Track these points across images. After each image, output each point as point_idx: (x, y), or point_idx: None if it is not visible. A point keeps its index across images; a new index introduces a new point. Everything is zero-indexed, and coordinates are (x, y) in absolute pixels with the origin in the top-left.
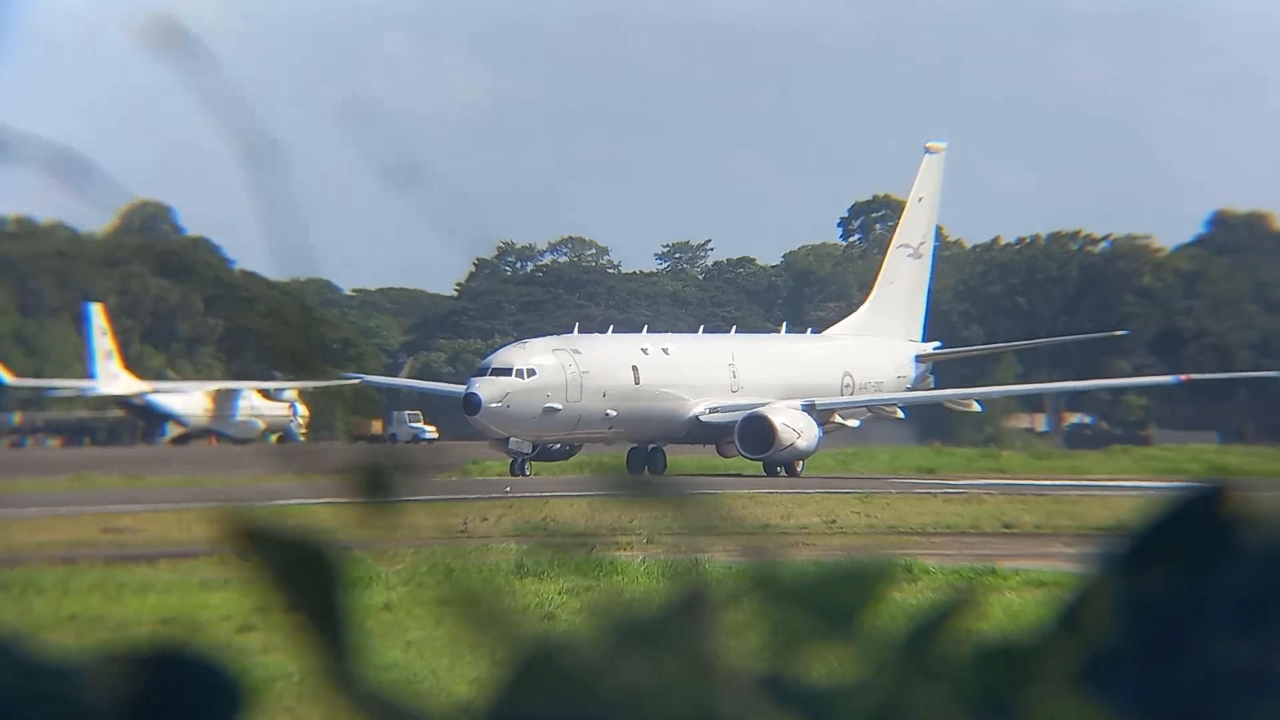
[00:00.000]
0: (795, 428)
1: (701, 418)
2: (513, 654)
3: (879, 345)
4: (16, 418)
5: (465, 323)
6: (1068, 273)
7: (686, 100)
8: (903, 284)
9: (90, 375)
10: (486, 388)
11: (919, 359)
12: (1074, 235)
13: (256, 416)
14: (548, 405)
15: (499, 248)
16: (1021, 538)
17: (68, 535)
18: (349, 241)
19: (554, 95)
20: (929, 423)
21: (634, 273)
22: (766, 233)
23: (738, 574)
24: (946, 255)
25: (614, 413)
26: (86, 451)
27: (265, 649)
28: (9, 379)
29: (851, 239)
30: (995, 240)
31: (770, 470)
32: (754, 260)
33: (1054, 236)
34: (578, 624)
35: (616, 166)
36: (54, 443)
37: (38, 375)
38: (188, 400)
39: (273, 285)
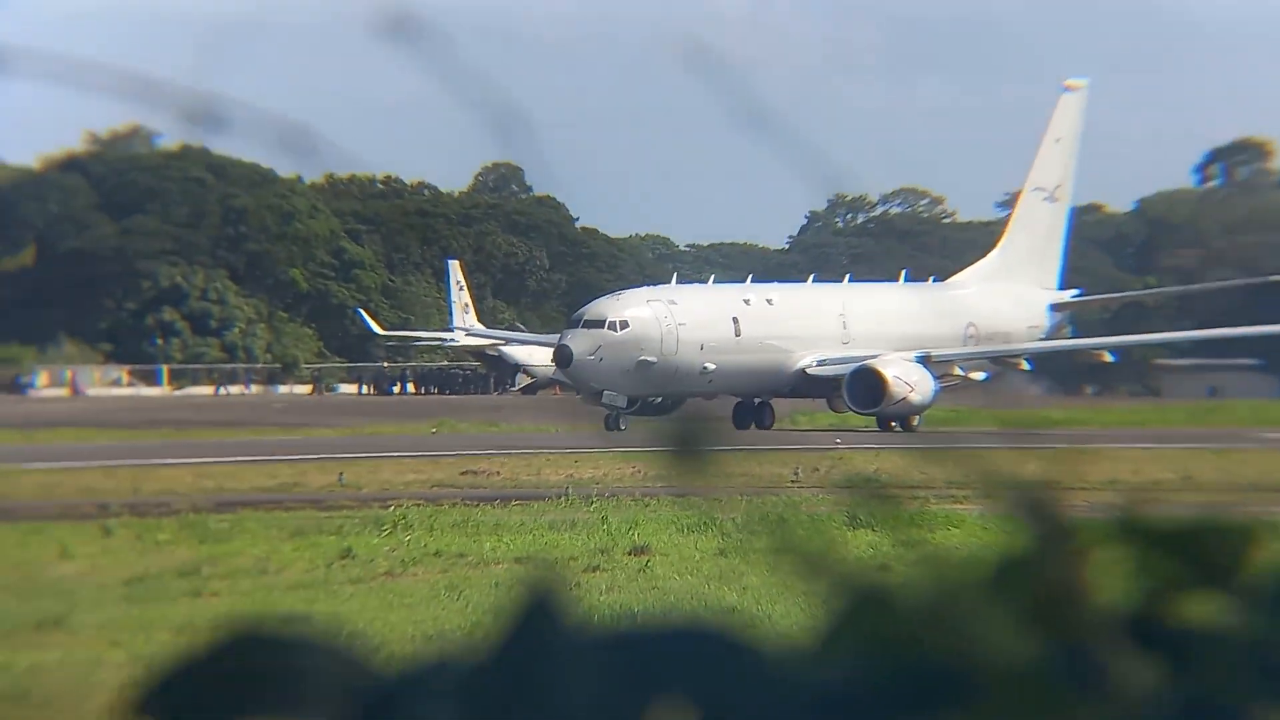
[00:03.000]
0: (908, 381)
1: (808, 371)
2: (850, 597)
3: (1007, 294)
4: (385, 366)
5: (796, 276)
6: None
7: (1029, 41)
8: (1037, 229)
9: (449, 327)
10: (578, 340)
11: (1055, 308)
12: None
13: None
14: (642, 358)
15: (831, 200)
16: None
17: (431, 476)
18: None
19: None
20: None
21: (969, 222)
22: (1116, 178)
23: (1098, 523)
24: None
25: (712, 366)
26: (446, 398)
27: (610, 588)
28: (378, 330)
29: (1209, 184)
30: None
31: (883, 425)
32: (1102, 207)
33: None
34: (913, 574)
35: (955, 112)
36: (411, 389)
37: (403, 327)
38: (534, 352)
39: (611, 241)
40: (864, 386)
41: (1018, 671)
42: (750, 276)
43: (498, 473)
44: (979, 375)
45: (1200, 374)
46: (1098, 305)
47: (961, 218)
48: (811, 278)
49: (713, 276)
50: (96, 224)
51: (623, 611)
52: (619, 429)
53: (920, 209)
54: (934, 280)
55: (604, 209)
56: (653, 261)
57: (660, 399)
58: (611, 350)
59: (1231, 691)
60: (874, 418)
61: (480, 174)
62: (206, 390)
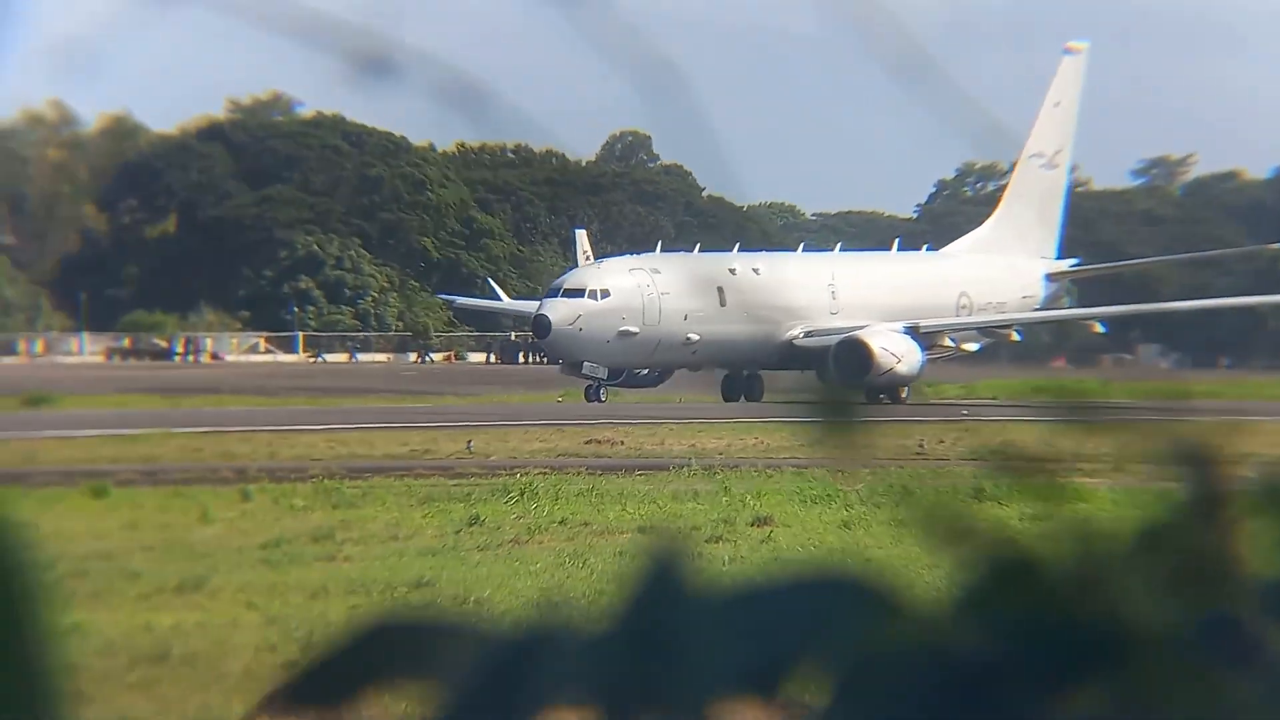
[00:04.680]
0: (895, 351)
1: (795, 342)
2: (991, 563)
3: (1001, 263)
4: (513, 335)
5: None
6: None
7: (1160, 4)
8: (1033, 196)
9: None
10: (557, 310)
11: (1050, 277)
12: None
13: None
14: (623, 328)
15: (959, 169)
16: None
17: (556, 445)
18: (813, 166)
19: (1012, 6)
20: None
21: (1103, 190)
22: (1257, 145)
23: (1246, 493)
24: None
25: (696, 337)
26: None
27: (733, 559)
28: (506, 299)
29: None
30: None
31: (872, 397)
32: (1240, 174)
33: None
34: (1052, 542)
35: (1091, 78)
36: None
37: (531, 296)
38: None
39: (737, 210)
40: (850, 358)
41: (1165, 641)
42: (888, 245)
43: (621, 442)
44: (972, 346)
45: None
46: (1098, 275)
47: (1096, 186)
48: (801, 246)
49: (839, 244)
50: (236, 192)
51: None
52: (599, 400)
53: None
54: (928, 249)
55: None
56: (779, 230)
57: (646, 370)
58: (592, 320)
59: None
60: (861, 389)
61: (608, 142)
62: (340, 357)
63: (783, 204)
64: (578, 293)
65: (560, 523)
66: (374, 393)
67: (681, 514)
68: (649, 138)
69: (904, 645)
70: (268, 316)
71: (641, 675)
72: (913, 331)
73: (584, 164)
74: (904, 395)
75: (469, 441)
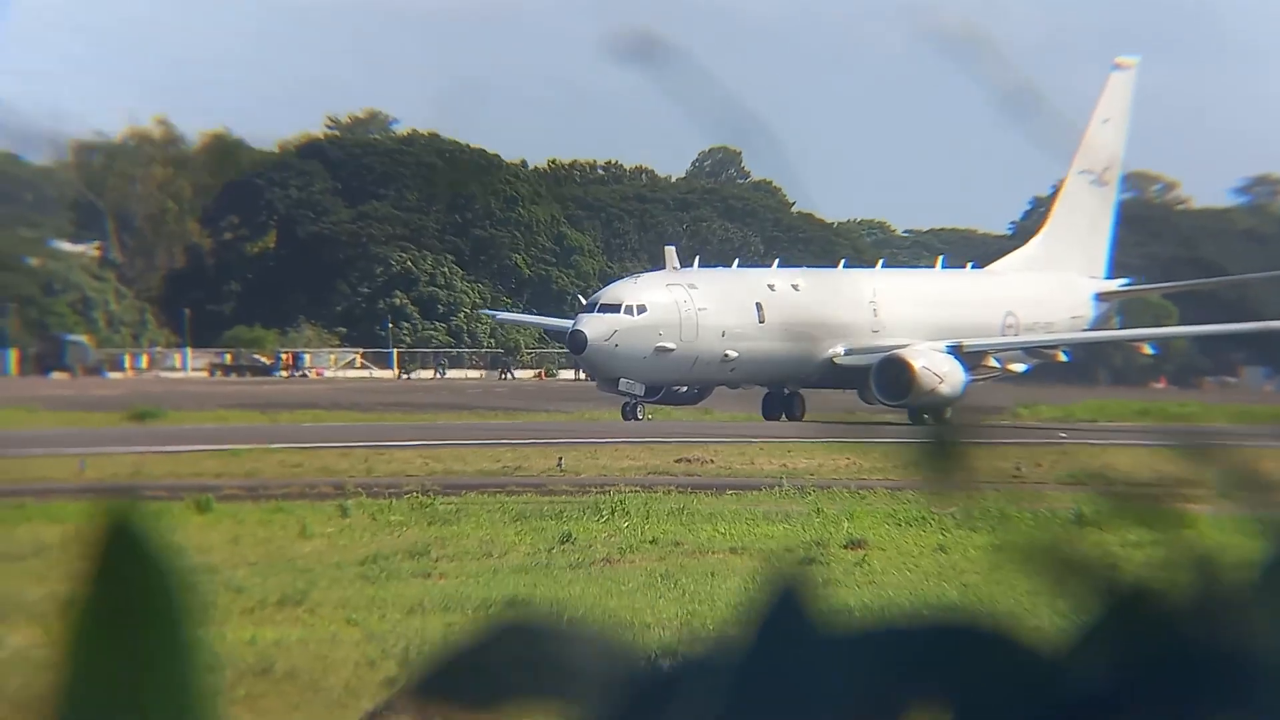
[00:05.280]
0: (937, 371)
1: (836, 360)
2: (1109, 594)
3: (1050, 281)
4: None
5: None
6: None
7: (1267, 21)
8: (1083, 214)
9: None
10: (593, 325)
11: (1100, 297)
12: None
13: None
14: (660, 344)
15: (1055, 185)
16: None
17: (646, 463)
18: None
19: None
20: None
21: (1204, 209)
22: None
23: None
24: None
25: (734, 354)
26: None
27: (826, 582)
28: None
29: None
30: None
31: (914, 418)
32: None
33: None
34: (1167, 572)
35: (1190, 97)
36: None
37: None
38: None
39: (827, 226)
40: (891, 377)
41: None
42: (970, 264)
43: (711, 461)
44: (1019, 367)
45: None
46: (1150, 295)
47: (1196, 204)
48: (842, 263)
49: (940, 258)
50: (333, 209)
51: (845, 608)
52: (637, 418)
53: (1152, 195)
54: (973, 267)
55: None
56: (869, 247)
57: (686, 388)
58: (628, 336)
59: None
60: (904, 410)
61: (698, 159)
62: (430, 374)
63: (873, 220)
64: (614, 308)
65: (652, 542)
66: (466, 408)
67: (773, 535)
68: (739, 154)
69: (1021, 680)
70: (364, 332)
71: (762, 706)
72: (956, 351)
73: (673, 180)
74: (947, 416)
75: (560, 459)
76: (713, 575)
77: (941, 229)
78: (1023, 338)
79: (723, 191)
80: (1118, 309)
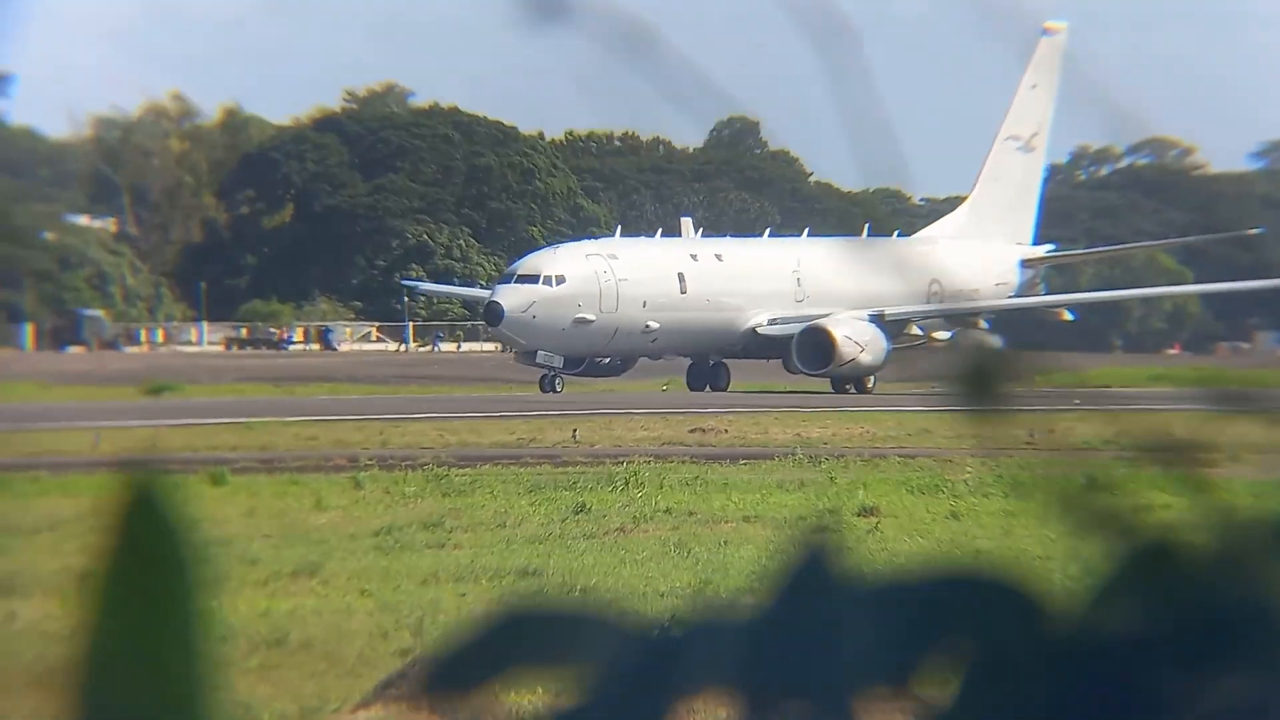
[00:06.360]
0: (859, 340)
1: (759, 330)
2: (1130, 548)
3: (975, 249)
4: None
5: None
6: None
7: None
8: (1009, 181)
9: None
10: (510, 296)
11: (1025, 264)
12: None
13: None
14: (579, 316)
15: (1073, 152)
16: None
17: (661, 434)
18: (929, 151)
19: None
20: None
21: (1220, 174)
22: None
23: None
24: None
25: (656, 325)
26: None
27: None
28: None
29: None
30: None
31: (837, 388)
32: None
33: None
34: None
35: (1204, 60)
36: None
37: None
38: None
39: (843, 196)
40: (813, 346)
41: None
42: (896, 231)
43: (725, 430)
44: (943, 335)
45: None
46: (1075, 261)
47: (1214, 169)
48: (767, 232)
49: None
50: (350, 182)
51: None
52: (554, 391)
53: (1169, 160)
54: (898, 235)
55: (839, 162)
56: (887, 216)
57: (607, 359)
58: (546, 307)
59: None
60: (826, 379)
61: (715, 128)
62: (448, 347)
63: (890, 190)
64: (532, 279)
65: (665, 511)
66: (481, 381)
67: (786, 504)
68: (757, 124)
69: (1041, 634)
70: (381, 306)
71: (784, 663)
72: (878, 320)
73: (690, 151)
74: (870, 385)
75: (574, 430)
76: (726, 544)
77: (958, 197)
78: (946, 305)
79: (739, 162)
80: (1043, 275)
